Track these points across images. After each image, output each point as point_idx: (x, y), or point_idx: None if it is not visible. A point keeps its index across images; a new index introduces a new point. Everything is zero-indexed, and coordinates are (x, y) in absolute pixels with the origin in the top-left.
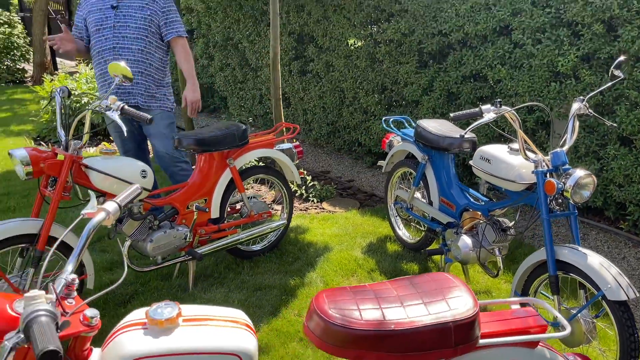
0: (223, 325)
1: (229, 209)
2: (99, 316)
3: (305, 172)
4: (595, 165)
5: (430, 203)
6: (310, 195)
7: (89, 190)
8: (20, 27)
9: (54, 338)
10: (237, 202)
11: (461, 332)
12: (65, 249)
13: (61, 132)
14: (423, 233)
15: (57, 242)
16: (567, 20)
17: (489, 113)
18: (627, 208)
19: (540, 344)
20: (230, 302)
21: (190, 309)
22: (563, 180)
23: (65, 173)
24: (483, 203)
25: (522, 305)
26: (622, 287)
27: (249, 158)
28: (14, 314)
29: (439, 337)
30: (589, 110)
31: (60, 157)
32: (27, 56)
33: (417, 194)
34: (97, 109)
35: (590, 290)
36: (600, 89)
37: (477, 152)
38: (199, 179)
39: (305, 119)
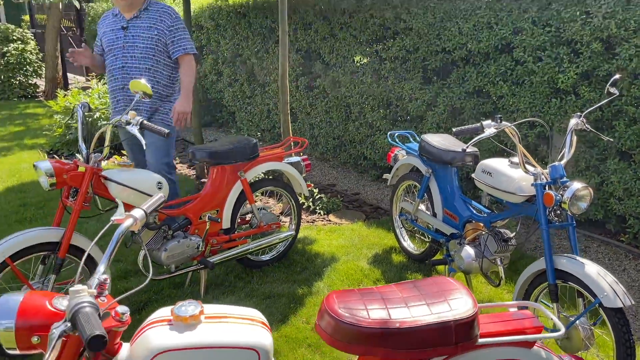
0: (241, 322)
1: (239, 220)
2: (129, 313)
3: (312, 185)
4: (596, 179)
5: (434, 215)
6: (317, 208)
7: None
8: (33, 43)
9: (99, 325)
10: (247, 213)
11: (461, 331)
12: (86, 258)
13: (82, 145)
14: (427, 244)
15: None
16: (567, 38)
17: (489, 128)
18: (627, 221)
19: (536, 344)
20: None
21: (211, 308)
22: (561, 192)
23: (86, 184)
24: (485, 215)
25: (520, 308)
26: (618, 294)
27: (259, 171)
28: (53, 309)
29: (440, 335)
30: (586, 125)
31: (81, 169)
32: (39, 72)
33: (422, 206)
34: (118, 123)
35: (587, 298)
36: (596, 106)
37: (479, 165)
38: (212, 190)
39: (312, 134)
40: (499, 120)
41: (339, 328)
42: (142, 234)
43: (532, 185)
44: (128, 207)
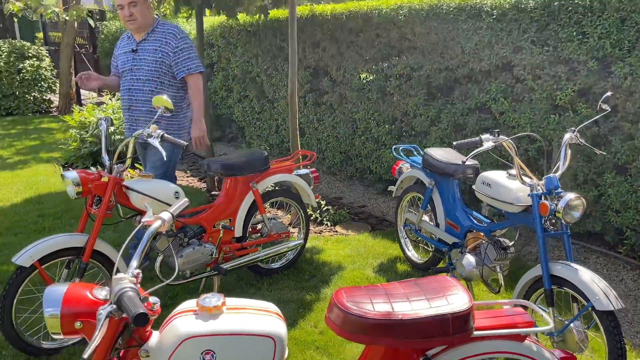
0: (259, 313)
1: (250, 229)
2: (159, 303)
3: (320, 197)
4: (594, 192)
5: (437, 225)
6: (325, 219)
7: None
8: (47, 60)
9: (141, 305)
10: (258, 222)
11: (458, 323)
12: (107, 262)
13: (105, 157)
14: (430, 254)
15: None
16: (564, 57)
17: (488, 142)
18: (624, 233)
19: (527, 339)
20: None
21: (232, 301)
22: (555, 202)
23: (109, 193)
24: (485, 224)
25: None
26: (609, 298)
27: (270, 182)
28: (93, 298)
29: (439, 327)
30: (580, 139)
31: (105, 179)
32: (54, 88)
33: (425, 217)
34: (140, 136)
35: (581, 302)
36: (589, 121)
37: (479, 177)
38: (225, 200)
39: (319, 148)
40: (496, 135)
41: (347, 320)
42: (159, 241)
43: (529, 195)
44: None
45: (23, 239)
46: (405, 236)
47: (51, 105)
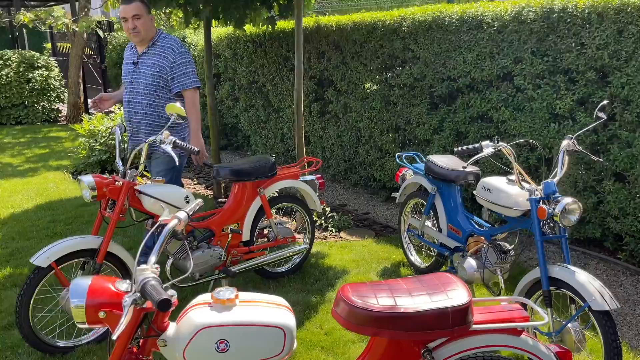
0: (270, 306)
1: (257, 234)
2: (176, 296)
3: (325, 202)
4: (593, 199)
5: (439, 230)
6: (329, 226)
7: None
8: (56, 70)
9: (164, 292)
10: (265, 227)
11: (457, 317)
12: (119, 263)
13: (119, 162)
14: (433, 258)
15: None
16: (564, 67)
17: (488, 148)
18: (623, 239)
19: (524, 333)
20: None
21: (244, 294)
22: (553, 206)
23: (123, 197)
24: (486, 229)
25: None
26: (604, 298)
27: (277, 187)
28: (116, 290)
29: (439, 320)
30: (577, 146)
31: (118, 183)
32: (62, 97)
33: (428, 222)
34: (153, 142)
35: (578, 303)
36: (586, 129)
37: (480, 183)
38: (233, 205)
39: (324, 156)
40: (496, 141)
41: (353, 313)
42: (170, 244)
43: (528, 200)
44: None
45: (35, 243)
46: (409, 241)
47: (59, 115)
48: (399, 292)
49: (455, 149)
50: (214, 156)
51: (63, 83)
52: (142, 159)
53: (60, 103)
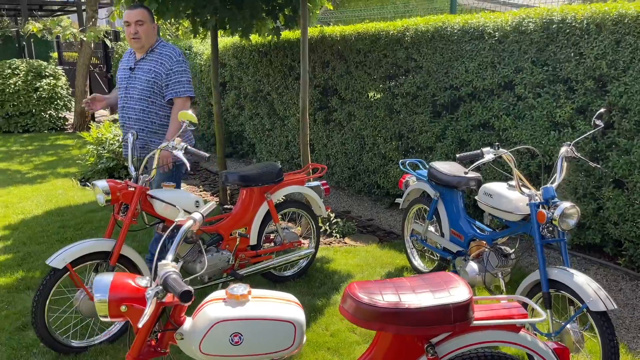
0: (280, 302)
1: (264, 238)
2: (192, 291)
3: (330, 208)
4: (593, 205)
5: (442, 235)
6: (334, 231)
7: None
8: (64, 79)
9: (185, 285)
10: (272, 232)
11: (459, 312)
12: (131, 266)
13: (132, 167)
14: (436, 262)
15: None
16: (563, 77)
17: (488, 154)
18: (623, 244)
19: (523, 330)
20: None
21: (256, 291)
22: (552, 210)
23: (136, 201)
24: (487, 233)
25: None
26: (602, 300)
27: (283, 193)
28: (136, 285)
29: (441, 315)
30: (575, 153)
31: (131, 188)
32: (69, 105)
33: (431, 227)
34: (166, 148)
35: (577, 305)
36: (583, 136)
37: (481, 188)
38: (241, 210)
39: (328, 163)
40: (497, 148)
41: (359, 309)
42: (180, 247)
43: (528, 205)
44: (170, 223)
45: (46, 248)
46: (412, 246)
47: (66, 123)
48: (403, 290)
49: (457, 155)
50: (220, 163)
51: (70, 92)
52: (154, 165)
53: (67, 111)
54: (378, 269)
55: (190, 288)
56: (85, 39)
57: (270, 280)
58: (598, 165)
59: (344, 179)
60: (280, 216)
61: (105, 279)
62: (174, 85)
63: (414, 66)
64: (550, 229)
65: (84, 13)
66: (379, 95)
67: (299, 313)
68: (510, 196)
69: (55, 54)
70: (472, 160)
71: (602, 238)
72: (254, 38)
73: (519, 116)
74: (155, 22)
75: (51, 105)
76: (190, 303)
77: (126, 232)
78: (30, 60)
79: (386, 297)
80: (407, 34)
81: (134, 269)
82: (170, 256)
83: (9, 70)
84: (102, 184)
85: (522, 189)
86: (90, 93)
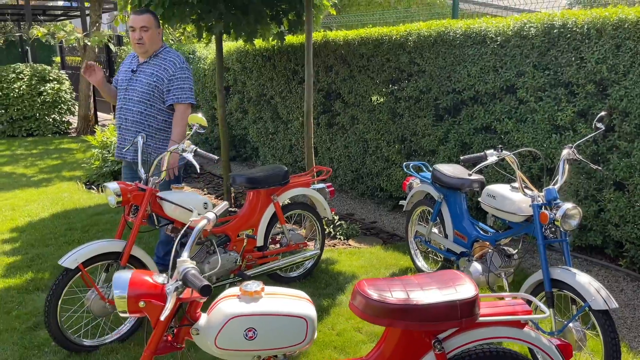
0: (292, 298)
1: (270, 240)
2: (212, 286)
3: (335, 210)
4: (594, 207)
5: (446, 236)
6: (338, 234)
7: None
8: (67, 83)
9: (204, 280)
10: (278, 234)
11: (465, 309)
12: (141, 266)
13: (142, 170)
14: (440, 263)
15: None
16: (564, 81)
17: (492, 156)
18: (624, 246)
19: (527, 327)
20: None
21: (269, 288)
22: (554, 211)
23: (146, 203)
24: (490, 234)
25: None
26: (604, 298)
27: (289, 195)
28: (153, 282)
29: (449, 312)
30: (577, 155)
31: (141, 190)
32: (72, 109)
33: (434, 229)
34: (175, 151)
35: (579, 304)
36: (585, 139)
37: (485, 190)
38: (248, 211)
39: (331, 167)
40: (500, 150)
41: (369, 305)
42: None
43: (530, 206)
44: (178, 224)
45: (54, 250)
46: (416, 247)
47: (70, 127)
48: (411, 287)
49: (462, 157)
50: (224, 167)
51: (73, 96)
52: (164, 167)
53: (71, 115)
54: (382, 270)
55: (209, 283)
56: (89, 43)
57: (276, 281)
58: (599, 168)
59: (347, 181)
60: (286, 218)
61: (124, 275)
62: (176, 91)
63: (417, 70)
64: (553, 229)
65: (87, 18)
66: (382, 99)
67: (310, 309)
68: (513, 198)
69: (57, 59)
70: (474, 163)
71: (603, 240)
72: (258, 42)
73: (521, 119)
74: (161, 27)
75: (55, 110)
76: (209, 297)
77: (136, 233)
78: (34, 65)
79: (395, 294)
80: (410, 38)
81: (142, 266)
82: (185, 254)
83: (13, 75)
84: (114, 185)
85: (525, 190)
86: (94, 97)
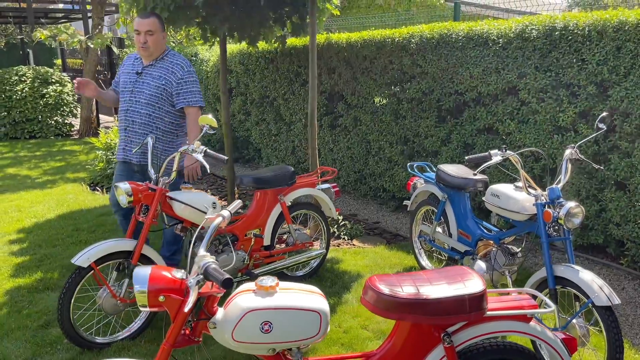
0: (306, 293)
1: (276, 239)
2: (233, 279)
3: (340, 210)
4: (595, 207)
5: (450, 235)
6: (342, 234)
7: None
8: (69, 85)
9: (225, 273)
10: (284, 233)
11: (474, 303)
12: (150, 263)
13: (151, 170)
14: (444, 262)
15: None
16: (566, 82)
17: (496, 156)
18: (625, 245)
19: (533, 321)
20: None
21: (283, 283)
22: (558, 210)
23: (156, 203)
24: (494, 233)
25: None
26: (606, 294)
27: (296, 195)
28: (172, 277)
29: (458, 306)
30: (579, 155)
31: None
32: (75, 112)
33: (438, 228)
34: (186, 152)
35: (582, 300)
36: (587, 139)
37: (489, 190)
38: (255, 211)
39: (334, 167)
40: (504, 150)
41: (380, 299)
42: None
43: (534, 205)
44: (188, 223)
45: (62, 250)
46: (420, 247)
47: (72, 129)
48: (421, 282)
49: (466, 158)
50: (228, 168)
51: (75, 98)
52: (174, 167)
53: (73, 118)
54: (387, 269)
55: (230, 276)
56: (92, 46)
57: (282, 280)
58: (601, 167)
59: (349, 182)
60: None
61: (145, 271)
62: (186, 95)
63: (420, 72)
64: (556, 227)
65: (90, 20)
66: (384, 101)
67: (323, 303)
68: (517, 197)
69: (59, 61)
70: (477, 164)
71: (604, 239)
72: (261, 45)
73: (523, 120)
74: (165, 30)
75: (57, 112)
76: (230, 289)
77: (147, 232)
78: (37, 67)
79: (405, 289)
80: (413, 40)
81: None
82: (202, 251)
83: (16, 77)
84: (125, 186)
85: (529, 189)
86: (96, 100)
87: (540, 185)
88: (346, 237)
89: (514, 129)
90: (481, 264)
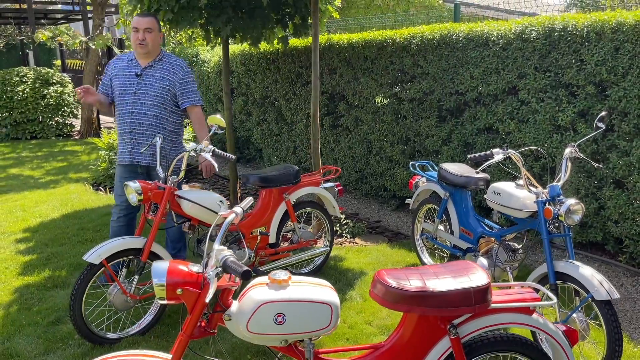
0: (317, 286)
1: (281, 237)
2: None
3: (344, 208)
4: (594, 205)
5: (452, 232)
6: (344, 232)
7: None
8: (70, 86)
9: (243, 265)
10: (289, 231)
11: (479, 295)
12: (157, 259)
13: (160, 170)
14: (446, 259)
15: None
16: (565, 82)
17: (498, 155)
18: (623, 242)
19: (535, 313)
20: None
21: (295, 277)
22: (558, 207)
23: (165, 201)
24: (496, 230)
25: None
26: (606, 289)
27: (300, 194)
28: (189, 271)
29: (463, 298)
30: (579, 153)
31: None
32: (75, 112)
33: (441, 226)
34: (195, 151)
35: (582, 295)
36: (586, 138)
37: (490, 188)
38: (261, 209)
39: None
40: (505, 149)
41: (388, 292)
42: (207, 244)
43: (535, 202)
44: (195, 221)
45: (69, 249)
46: (422, 244)
47: (73, 130)
48: (427, 275)
49: (469, 156)
50: (231, 168)
51: (76, 99)
52: (183, 166)
53: (74, 118)
54: (389, 266)
55: (248, 268)
56: (93, 46)
57: None
58: (600, 166)
59: (351, 182)
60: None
61: (162, 265)
62: (190, 94)
63: (420, 72)
64: (557, 224)
65: (90, 21)
66: (385, 101)
67: (334, 296)
68: (518, 194)
69: (58, 62)
70: (477, 163)
71: (603, 236)
72: (262, 45)
73: (523, 120)
74: (162, 32)
75: (58, 112)
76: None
77: (156, 230)
78: (38, 68)
79: (412, 282)
80: (414, 41)
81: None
82: (216, 246)
83: (17, 78)
84: (135, 185)
85: (530, 187)
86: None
87: (540, 184)
88: (349, 236)
89: (514, 129)
90: (483, 261)
